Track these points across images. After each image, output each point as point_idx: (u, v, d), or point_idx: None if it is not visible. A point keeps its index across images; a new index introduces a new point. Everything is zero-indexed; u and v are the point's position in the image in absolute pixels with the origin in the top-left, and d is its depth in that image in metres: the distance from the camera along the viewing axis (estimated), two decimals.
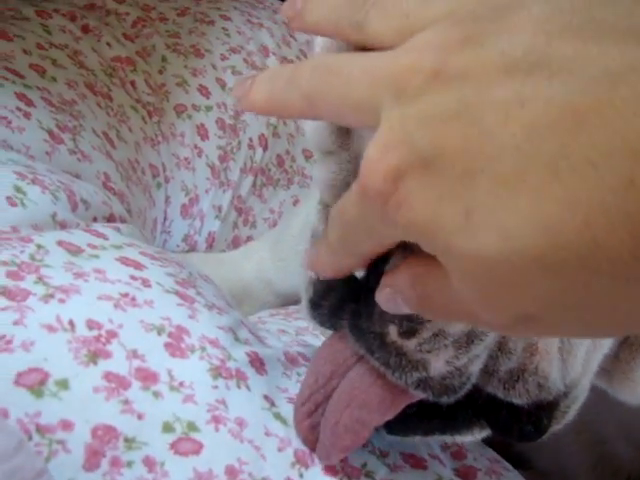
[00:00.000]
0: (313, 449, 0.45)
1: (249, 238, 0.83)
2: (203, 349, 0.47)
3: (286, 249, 0.75)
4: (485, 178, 0.27)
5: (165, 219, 0.78)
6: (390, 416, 0.42)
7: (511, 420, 0.42)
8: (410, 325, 0.37)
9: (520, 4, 0.29)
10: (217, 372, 0.46)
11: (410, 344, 0.37)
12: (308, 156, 0.89)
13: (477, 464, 0.53)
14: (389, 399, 0.41)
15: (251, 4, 1.00)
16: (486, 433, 0.44)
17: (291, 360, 0.52)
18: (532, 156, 0.26)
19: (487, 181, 0.27)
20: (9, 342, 0.42)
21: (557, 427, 0.44)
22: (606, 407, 0.53)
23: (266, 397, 0.48)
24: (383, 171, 0.28)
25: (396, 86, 0.29)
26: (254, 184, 0.84)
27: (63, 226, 0.53)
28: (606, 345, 0.42)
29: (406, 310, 0.33)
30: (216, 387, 0.46)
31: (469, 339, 0.38)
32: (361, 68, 0.31)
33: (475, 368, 0.39)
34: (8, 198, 0.51)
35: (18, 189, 0.53)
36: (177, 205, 0.79)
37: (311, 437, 0.44)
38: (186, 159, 0.80)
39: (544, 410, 0.42)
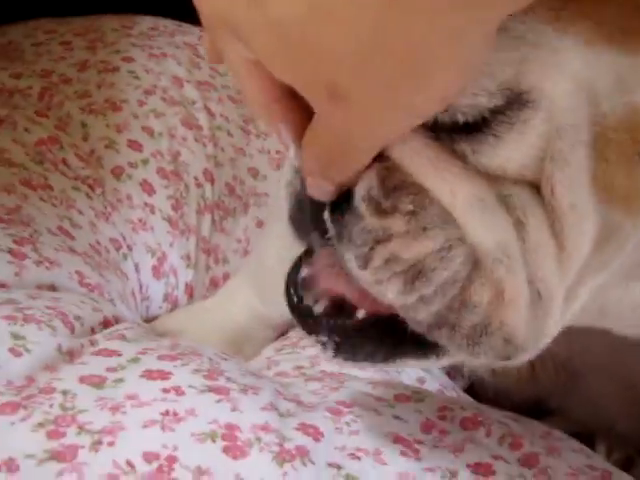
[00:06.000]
0: None
1: (225, 275, 0.82)
2: (259, 440, 0.47)
3: (268, 280, 0.74)
4: None
5: (141, 287, 0.77)
6: None
7: None
8: (364, 251, 0.38)
9: None
10: (281, 458, 0.47)
11: (366, 275, 0.38)
12: (255, 174, 0.88)
13: (535, 448, 0.55)
14: None
15: (146, 34, 0.96)
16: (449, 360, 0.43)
17: (335, 413, 0.52)
18: None
19: None
20: None
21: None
22: (634, 352, 0.55)
23: (330, 464, 0.48)
24: None
25: None
26: (213, 221, 0.83)
27: (71, 355, 0.52)
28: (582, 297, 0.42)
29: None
30: (286, 473, 0.46)
31: (414, 275, 0.38)
32: None
33: (423, 315, 0.39)
34: (11, 350, 0.50)
35: (15, 335, 0.51)
36: (147, 269, 0.77)
37: None
38: (140, 220, 0.78)
39: None
